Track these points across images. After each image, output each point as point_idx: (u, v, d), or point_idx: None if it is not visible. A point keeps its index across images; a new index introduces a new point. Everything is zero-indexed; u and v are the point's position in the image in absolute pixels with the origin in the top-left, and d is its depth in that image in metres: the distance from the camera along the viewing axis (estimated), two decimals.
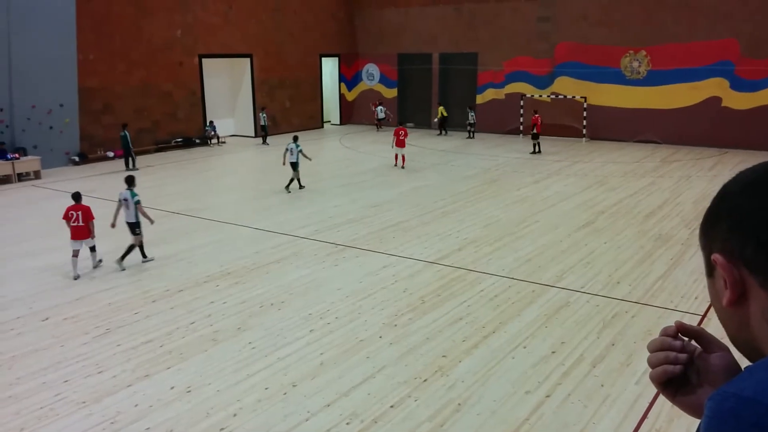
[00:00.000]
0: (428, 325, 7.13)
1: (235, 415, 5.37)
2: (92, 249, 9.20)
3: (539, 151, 19.57)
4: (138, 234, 9.36)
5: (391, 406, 5.46)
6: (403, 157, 17.22)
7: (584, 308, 7.56)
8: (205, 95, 22.29)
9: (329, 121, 28.20)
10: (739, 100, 19.87)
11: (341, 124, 28.14)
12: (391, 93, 27.24)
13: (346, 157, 19.68)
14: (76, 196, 9.27)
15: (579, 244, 10.18)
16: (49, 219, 12.39)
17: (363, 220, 11.81)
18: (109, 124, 19.23)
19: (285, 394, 5.70)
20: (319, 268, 9.14)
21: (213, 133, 22.26)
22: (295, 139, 14.51)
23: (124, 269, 9.15)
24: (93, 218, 9.11)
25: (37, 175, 16.65)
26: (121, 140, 17.57)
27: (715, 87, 20.21)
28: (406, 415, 5.33)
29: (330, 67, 27.68)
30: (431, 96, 26.13)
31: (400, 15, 26.18)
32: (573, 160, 18.45)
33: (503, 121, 24.15)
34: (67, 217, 9.04)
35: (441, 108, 24.16)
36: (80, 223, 8.96)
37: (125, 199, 9.32)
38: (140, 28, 19.88)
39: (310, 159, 14.84)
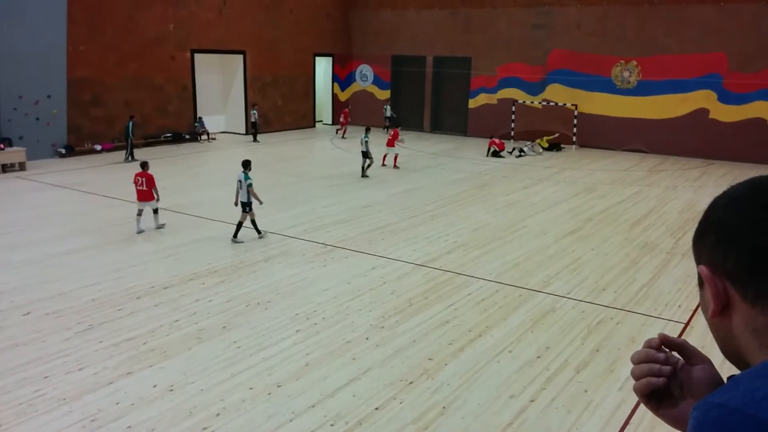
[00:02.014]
0: (415, 327, 7.13)
1: (218, 414, 5.33)
2: (155, 211, 10.86)
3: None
4: (246, 212, 10.24)
5: (376, 408, 5.45)
6: (395, 156, 17.33)
7: (570, 314, 7.60)
8: (197, 91, 22.15)
9: (321, 121, 28.15)
10: (726, 113, 20.13)
11: (333, 124, 28.10)
12: (384, 95, 27.24)
13: (336, 158, 19.64)
14: (143, 165, 10.97)
15: (566, 250, 10.25)
16: (33, 211, 12.23)
17: (352, 221, 11.79)
18: (98, 117, 19.05)
19: (269, 394, 5.66)
20: (307, 269, 9.10)
21: (201, 129, 22.12)
22: (367, 130, 16.28)
23: (241, 242, 10.19)
24: (155, 185, 10.69)
25: (22, 167, 16.43)
26: (124, 130, 17.84)
27: (703, 99, 20.46)
28: (390, 417, 5.32)
29: (323, 67, 27.63)
30: (424, 99, 26.17)
31: (396, 17, 26.21)
32: (562, 167, 18.57)
33: (495, 126, 24.24)
34: (134, 182, 10.75)
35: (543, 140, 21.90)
36: (144, 187, 10.61)
37: (240, 181, 10.25)
38: (133, 21, 19.72)
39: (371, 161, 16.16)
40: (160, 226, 10.89)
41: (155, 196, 10.72)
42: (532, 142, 21.69)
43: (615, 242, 10.77)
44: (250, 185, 10.13)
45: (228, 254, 9.68)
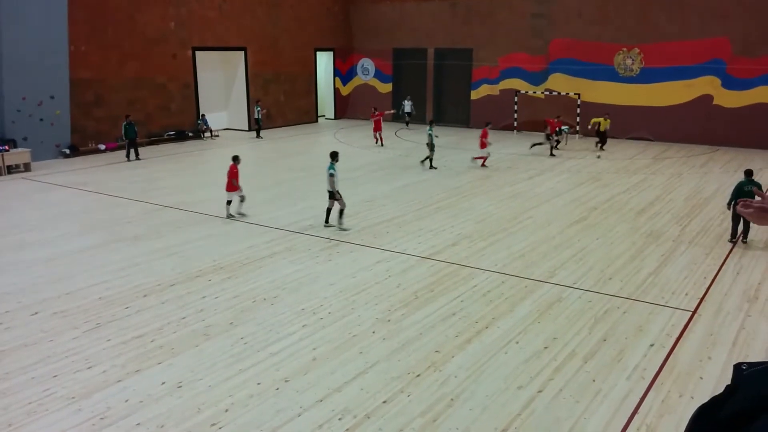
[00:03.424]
0: (421, 320, 7.13)
1: (226, 410, 5.35)
2: (242, 199, 11.71)
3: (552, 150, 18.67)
4: (333, 199, 10.72)
5: (384, 402, 5.46)
6: (484, 158, 16.76)
7: (576, 304, 7.58)
8: (199, 88, 22.14)
9: (324, 116, 28.11)
10: (730, 99, 19.97)
11: (336, 118, 28.06)
12: (386, 88, 27.17)
13: (340, 152, 19.57)
14: (234, 158, 11.67)
15: (572, 240, 10.21)
16: (38, 212, 12.29)
17: (357, 215, 11.79)
18: (101, 117, 19.08)
19: (277, 389, 5.68)
20: (313, 263, 9.11)
21: (205, 126, 22.14)
22: (431, 123, 16.76)
23: (336, 225, 10.81)
24: (233, 176, 11.43)
25: (27, 168, 16.49)
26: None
27: (706, 85, 20.30)
28: (398, 410, 5.33)
29: (325, 62, 27.56)
30: (426, 91, 26.08)
31: (396, 10, 26.09)
32: (566, 157, 18.49)
33: (497, 117, 24.15)
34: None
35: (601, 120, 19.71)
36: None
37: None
38: (134, 20, 19.71)
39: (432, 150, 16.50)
40: (240, 213, 11.69)
41: (234, 187, 11.46)
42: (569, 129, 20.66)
43: (620, 231, 10.73)
44: (330, 175, 10.60)
45: (233, 251, 9.70)
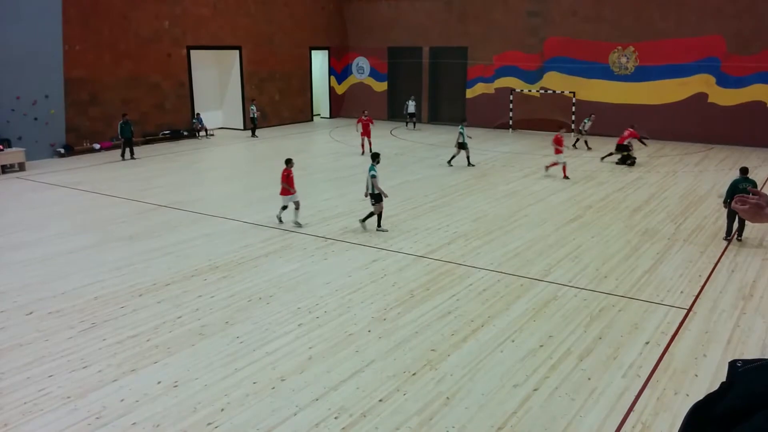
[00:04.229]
0: (417, 319, 7.14)
1: (222, 409, 5.34)
2: (296, 206, 10.93)
3: (629, 163, 16.76)
4: (374, 204, 10.50)
5: (380, 400, 5.47)
6: (563, 165, 15.28)
7: (572, 302, 7.61)
8: (194, 87, 22.08)
9: (319, 114, 28.08)
10: (725, 97, 20.06)
11: (331, 117, 28.03)
12: (381, 87, 27.16)
13: (335, 151, 19.59)
14: (287, 161, 11.04)
15: (567, 238, 10.24)
16: (33, 211, 12.23)
17: (352, 213, 11.78)
18: (96, 116, 19.00)
19: (273, 388, 5.68)
20: (309, 262, 9.10)
21: (200, 125, 22.09)
22: (462, 122, 16.80)
23: (386, 230, 10.57)
24: (282, 180, 10.86)
25: (21, 167, 16.41)
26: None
27: (701, 83, 20.38)
28: (394, 408, 5.34)
29: (320, 60, 27.53)
30: (421, 90, 26.08)
31: (391, 8, 26.07)
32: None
33: (493, 115, 24.19)
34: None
35: None
36: (285, 183, 10.90)
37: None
38: (128, 19, 19.63)
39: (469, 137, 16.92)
40: (296, 222, 10.89)
41: (288, 191, 10.86)
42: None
43: (616, 229, 10.76)
44: (372, 176, 10.40)
45: (229, 250, 9.68)
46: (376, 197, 10.47)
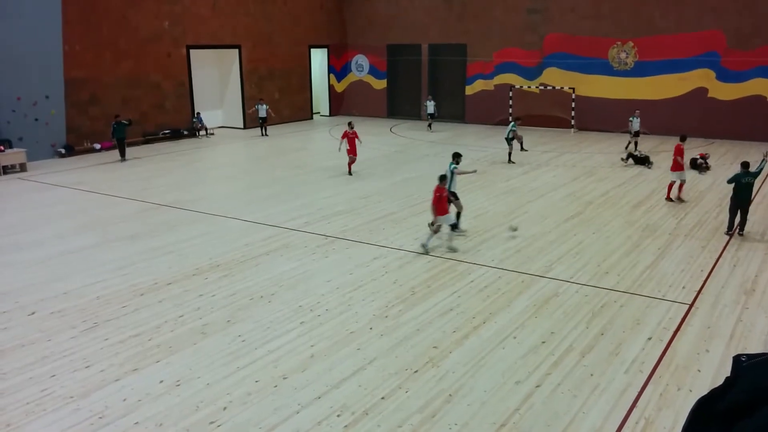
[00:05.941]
0: (418, 316, 7.14)
1: (225, 408, 5.35)
2: (453, 227, 9.92)
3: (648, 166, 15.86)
4: (455, 200, 10.33)
5: (382, 398, 5.47)
6: (680, 184, 12.43)
7: (573, 298, 7.60)
8: (193, 86, 22.06)
9: (318, 112, 28.06)
10: (725, 91, 20.02)
11: (331, 115, 28.01)
12: (381, 84, 27.13)
13: (335, 148, 19.56)
14: (441, 178, 9.62)
15: (567, 234, 10.23)
16: (35, 211, 12.24)
17: (353, 211, 11.78)
18: (96, 116, 18.99)
19: (275, 386, 5.68)
20: (309, 260, 9.10)
21: (200, 124, 22.08)
22: (516, 120, 17.24)
23: (463, 231, 10.28)
24: (439, 201, 9.43)
25: (22, 168, 16.42)
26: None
27: (701, 78, 20.34)
28: (397, 406, 5.34)
29: (319, 58, 27.50)
30: (421, 87, 26.05)
31: (390, 6, 26.03)
32: (561, 151, 18.51)
33: (492, 112, 24.16)
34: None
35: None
36: (436, 203, 9.66)
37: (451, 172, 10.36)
38: (128, 19, 19.61)
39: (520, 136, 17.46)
40: (450, 248, 9.41)
41: (445, 209, 9.47)
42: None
43: (616, 225, 10.75)
44: (454, 168, 10.27)
45: (230, 249, 9.68)
46: (455, 195, 10.38)
